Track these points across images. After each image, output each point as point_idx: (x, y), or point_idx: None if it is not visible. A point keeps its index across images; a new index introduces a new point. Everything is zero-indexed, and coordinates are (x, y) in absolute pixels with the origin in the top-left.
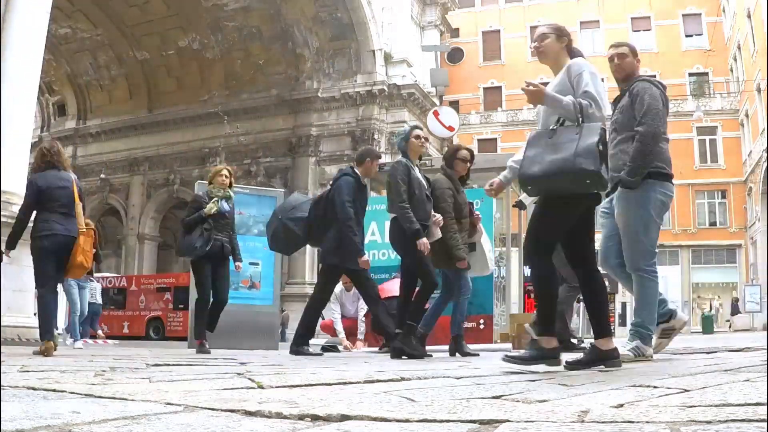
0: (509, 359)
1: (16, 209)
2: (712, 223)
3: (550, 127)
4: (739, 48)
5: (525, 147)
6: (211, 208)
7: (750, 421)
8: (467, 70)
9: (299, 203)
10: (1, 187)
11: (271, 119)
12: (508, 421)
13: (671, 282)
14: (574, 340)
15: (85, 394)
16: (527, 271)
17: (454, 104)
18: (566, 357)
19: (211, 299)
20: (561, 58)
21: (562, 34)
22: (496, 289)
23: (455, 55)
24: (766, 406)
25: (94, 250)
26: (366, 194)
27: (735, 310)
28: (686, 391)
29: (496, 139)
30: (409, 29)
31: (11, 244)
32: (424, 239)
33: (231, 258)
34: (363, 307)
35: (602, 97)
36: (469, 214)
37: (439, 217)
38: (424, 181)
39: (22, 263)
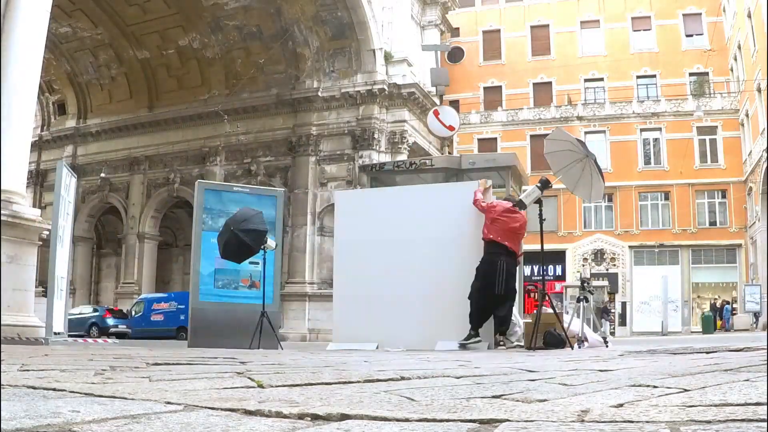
0: None
1: (16, 208)
2: (712, 223)
3: None
4: (739, 48)
5: None
6: None
7: (750, 421)
8: (467, 69)
9: (250, 216)
10: (1, 187)
11: (271, 118)
12: (508, 420)
13: (671, 282)
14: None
15: (85, 393)
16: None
17: (454, 103)
18: None
19: None
20: None
21: None
22: None
23: (455, 55)
24: (766, 406)
25: None
26: None
27: None
28: (686, 391)
29: (496, 139)
30: (409, 28)
31: None
32: None
33: None
34: None
35: None
36: None
37: None
38: None
39: (22, 262)
